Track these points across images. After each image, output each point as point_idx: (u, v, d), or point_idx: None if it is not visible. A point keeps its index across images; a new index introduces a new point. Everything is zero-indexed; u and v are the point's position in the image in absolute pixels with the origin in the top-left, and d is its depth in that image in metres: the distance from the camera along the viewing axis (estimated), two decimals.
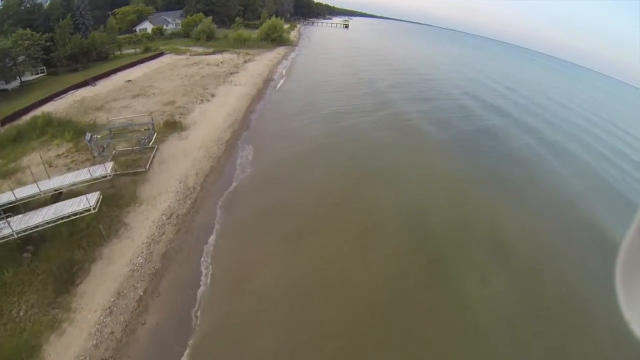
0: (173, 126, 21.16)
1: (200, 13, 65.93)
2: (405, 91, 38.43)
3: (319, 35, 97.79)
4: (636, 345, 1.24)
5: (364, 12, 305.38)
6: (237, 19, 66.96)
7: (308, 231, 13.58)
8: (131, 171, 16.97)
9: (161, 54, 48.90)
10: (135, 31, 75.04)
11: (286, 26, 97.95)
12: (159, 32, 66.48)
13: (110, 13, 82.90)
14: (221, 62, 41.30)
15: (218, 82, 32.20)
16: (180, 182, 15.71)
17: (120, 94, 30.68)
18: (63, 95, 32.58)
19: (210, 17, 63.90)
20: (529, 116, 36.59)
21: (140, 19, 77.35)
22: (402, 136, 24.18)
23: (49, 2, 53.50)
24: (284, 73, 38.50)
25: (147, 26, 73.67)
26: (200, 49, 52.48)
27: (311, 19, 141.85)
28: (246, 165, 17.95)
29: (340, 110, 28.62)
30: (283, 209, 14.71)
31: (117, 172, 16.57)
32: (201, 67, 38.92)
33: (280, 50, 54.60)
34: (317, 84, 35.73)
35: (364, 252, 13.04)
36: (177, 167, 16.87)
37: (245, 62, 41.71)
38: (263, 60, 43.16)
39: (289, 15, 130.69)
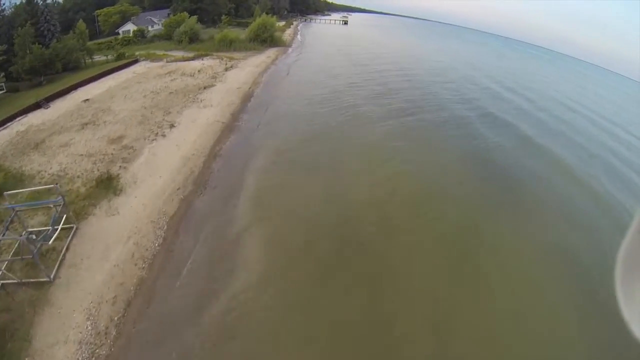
0: (107, 186, 14.76)
1: (184, 12, 58.71)
2: (408, 107, 31.08)
3: (317, 33, 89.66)
4: (636, 345, 1.08)
5: (363, 8, 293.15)
6: (223, 17, 59.33)
7: None
8: (31, 280, 10.74)
9: (135, 62, 42.15)
10: (119, 33, 68.40)
11: (281, 24, 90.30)
12: (140, 35, 59.46)
13: (95, 15, 76.08)
14: (198, 71, 34.53)
15: (186, 101, 25.59)
16: (89, 319, 9.35)
17: (69, 122, 24.31)
18: (9, 124, 26.19)
19: (195, 17, 56.70)
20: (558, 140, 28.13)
21: (124, 20, 70.39)
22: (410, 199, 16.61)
23: (13, 8, 46.77)
24: (269, 86, 31.41)
25: (131, 28, 66.76)
26: (180, 54, 45.61)
27: (309, 16, 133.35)
28: (190, 272, 11.02)
29: (334, 146, 20.83)
30: None
31: (13, 281, 10.54)
32: (173, 79, 32.27)
33: (271, 52, 47.39)
34: (304, 101, 28.36)
35: None
36: (91, 279, 10.45)
37: (226, 69, 34.81)
38: (248, 67, 36.22)
39: (285, 12, 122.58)
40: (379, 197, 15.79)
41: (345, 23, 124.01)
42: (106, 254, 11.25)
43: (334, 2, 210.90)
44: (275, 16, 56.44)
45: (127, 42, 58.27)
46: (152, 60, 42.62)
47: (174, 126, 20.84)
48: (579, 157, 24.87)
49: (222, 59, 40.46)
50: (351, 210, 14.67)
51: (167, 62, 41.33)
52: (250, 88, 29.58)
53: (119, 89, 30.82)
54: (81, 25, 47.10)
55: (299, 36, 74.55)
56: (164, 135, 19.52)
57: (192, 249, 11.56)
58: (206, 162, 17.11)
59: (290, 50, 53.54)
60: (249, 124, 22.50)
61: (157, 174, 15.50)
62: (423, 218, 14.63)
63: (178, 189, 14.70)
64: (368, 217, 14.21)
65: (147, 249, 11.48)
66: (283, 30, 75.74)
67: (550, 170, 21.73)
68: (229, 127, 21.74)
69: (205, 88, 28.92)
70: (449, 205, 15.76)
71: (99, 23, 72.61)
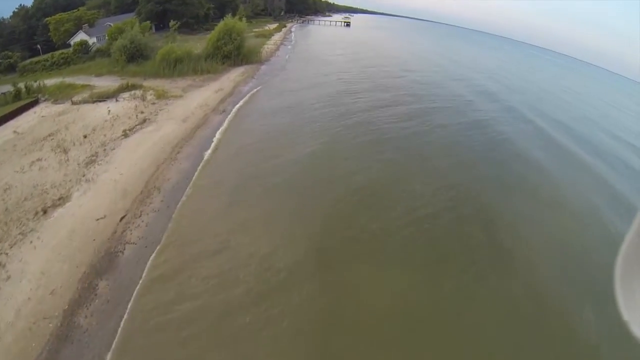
0: None
1: (133, 17, 41.14)
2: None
3: (312, 39, 70.15)
4: (635, 346, 1.03)
5: (366, 9, 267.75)
6: (171, 23, 41.01)
7: None
8: None
9: (34, 104, 25.27)
10: (70, 45, 51.58)
11: (272, 26, 71.83)
12: (82, 50, 42.15)
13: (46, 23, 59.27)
14: (84, 137, 17.61)
15: None
16: None
17: None
18: None
19: (146, 23, 39.36)
20: None
21: (78, 28, 53.27)
22: None
23: None
24: (175, 191, 12.68)
25: (85, 38, 49.71)
26: (106, 83, 28.54)
27: (308, 17, 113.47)
28: None
29: None
30: None
31: None
32: (33, 162, 15.60)
33: (229, 79, 28.48)
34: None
35: None
36: None
37: (131, 130, 17.59)
38: (169, 123, 18.07)
39: (282, 13, 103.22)
40: None
41: (348, 25, 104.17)
42: None
43: (335, 2, 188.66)
44: (242, 18, 37.34)
45: (65, 59, 41.26)
46: (56, 101, 25.63)
47: None
48: None
49: (145, 98, 23.08)
50: None
51: (73, 103, 24.41)
52: (123, 218, 11.59)
53: None
54: None
55: (288, 43, 54.88)
56: None
57: None
58: None
59: (264, 69, 34.13)
60: None
61: None
62: None
63: None
64: None
65: None
66: (269, 35, 57.33)
67: None
68: None
69: (43, 213, 12.00)
70: None
71: (50, 33, 55.70)
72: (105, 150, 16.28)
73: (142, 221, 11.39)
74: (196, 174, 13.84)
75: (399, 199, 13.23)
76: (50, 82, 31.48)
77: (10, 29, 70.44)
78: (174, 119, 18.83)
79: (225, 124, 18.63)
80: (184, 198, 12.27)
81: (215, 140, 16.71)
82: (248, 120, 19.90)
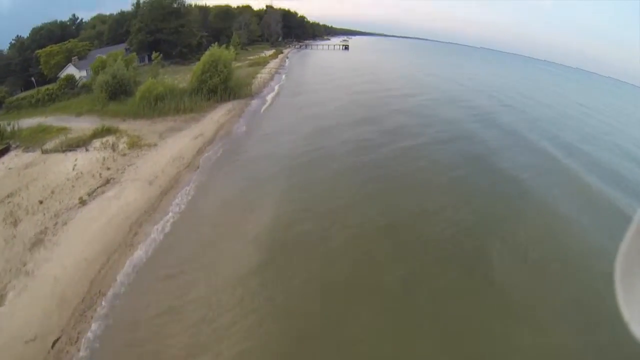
0: None
1: (120, 49, 39.73)
2: None
3: (309, 66, 69.02)
4: (636, 346, 0.99)
5: (363, 30, 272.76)
6: (154, 55, 39.50)
7: None
8: None
9: (4, 152, 22.78)
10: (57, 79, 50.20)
11: (269, 53, 71.11)
12: (68, 85, 40.51)
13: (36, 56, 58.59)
14: (41, 202, 15.07)
15: None
16: None
17: None
18: None
19: (132, 55, 37.77)
20: None
21: (69, 60, 52.28)
22: None
23: None
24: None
25: (74, 71, 48.53)
26: (82, 126, 26.39)
27: (306, 41, 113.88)
28: None
29: None
30: None
31: None
32: None
33: (214, 119, 26.09)
34: None
35: None
36: None
37: (91, 194, 14.95)
38: (134, 185, 15.44)
39: (279, 39, 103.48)
40: None
41: (346, 48, 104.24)
42: None
43: (333, 25, 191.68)
44: (234, 45, 35.66)
45: (50, 96, 39.53)
46: (27, 149, 23.39)
47: None
48: None
49: (117, 147, 20.70)
50: None
51: (43, 152, 22.18)
52: (56, 343, 8.46)
53: None
54: None
55: (283, 71, 53.04)
56: None
57: None
58: None
59: (255, 104, 31.31)
60: None
61: None
62: None
63: None
64: None
65: None
66: (264, 63, 56.07)
67: None
68: None
69: None
70: None
71: (41, 66, 54.69)
72: (56, 224, 13.67)
73: (77, 349, 8.59)
74: (146, 268, 11.06)
75: (400, 293, 10.43)
76: (31, 122, 29.55)
77: (7, 61, 69.69)
78: (140, 179, 16.26)
79: (191, 186, 15.92)
80: (128, 312, 9.48)
81: (172, 213, 13.87)
82: (220, 180, 17.00)
